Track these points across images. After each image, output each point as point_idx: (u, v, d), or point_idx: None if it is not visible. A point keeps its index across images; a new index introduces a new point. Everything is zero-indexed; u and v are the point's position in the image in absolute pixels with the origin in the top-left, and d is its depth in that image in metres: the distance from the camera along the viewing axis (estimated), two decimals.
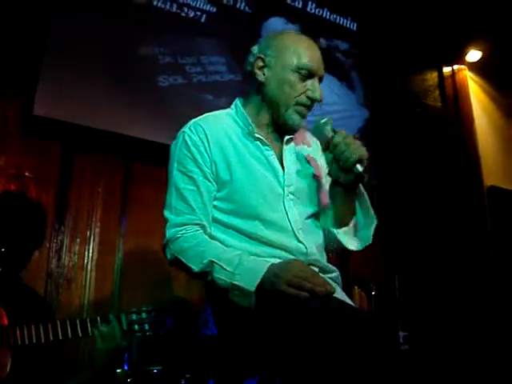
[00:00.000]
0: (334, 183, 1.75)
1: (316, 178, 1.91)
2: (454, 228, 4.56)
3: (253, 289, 1.52)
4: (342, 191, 1.75)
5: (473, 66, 5.37)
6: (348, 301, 1.73)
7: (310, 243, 1.76)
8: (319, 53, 1.84)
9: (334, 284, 1.76)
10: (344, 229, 1.81)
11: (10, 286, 2.10)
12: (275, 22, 4.12)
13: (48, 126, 3.12)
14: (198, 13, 3.76)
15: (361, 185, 1.76)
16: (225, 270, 1.58)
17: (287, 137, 1.88)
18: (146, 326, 2.04)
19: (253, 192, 1.73)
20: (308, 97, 1.78)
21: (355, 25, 4.60)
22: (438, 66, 5.29)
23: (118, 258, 3.19)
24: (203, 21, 3.77)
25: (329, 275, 1.79)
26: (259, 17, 4.05)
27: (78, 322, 1.98)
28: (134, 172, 3.37)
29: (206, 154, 1.75)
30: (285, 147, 1.87)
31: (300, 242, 1.73)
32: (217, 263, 1.59)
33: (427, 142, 4.77)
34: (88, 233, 3.16)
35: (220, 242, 1.71)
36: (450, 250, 4.44)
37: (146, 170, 3.39)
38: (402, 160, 4.51)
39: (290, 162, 1.86)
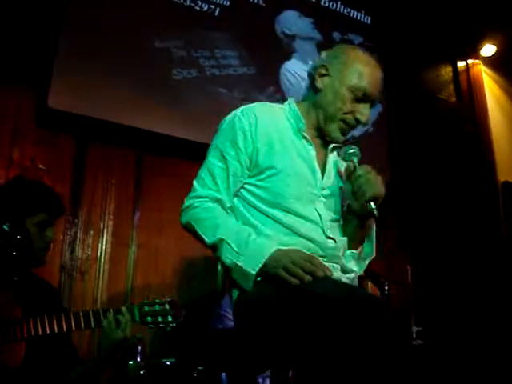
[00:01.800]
0: (348, 210, 1.81)
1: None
2: (467, 223, 4.54)
3: (253, 272, 1.57)
4: (354, 219, 1.81)
5: (487, 61, 5.32)
6: None
7: (338, 240, 1.79)
8: (380, 77, 1.86)
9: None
10: (352, 252, 1.85)
11: (21, 277, 2.10)
12: (289, 16, 4.11)
13: (62, 119, 3.14)
14: (212, 6, 3.75)
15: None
16: (233, 250, 1.62)
17: (332, 145, 1.90)
18: (159, 318, 2.03)
19: (291, 185, 1.75)
20: (356, 118, 1.82)
21: (369, 18, 4.57)
22: (453, 61, 5.26)
23: (131, 250, 3.20)
24: (217, 14, 3.77)
25: (347, 275, 1.80)
26: (273, 10, 4.04)
27: (90, 312, 1.99)
28: (147, 164, 3.38)
29: (249, 139, 1.77)
30: (329, 154, 1.90)
31: (329, 237, 1.76)
32: (226, 242, 1.63)
33: (441, 136, 4.75)
34: (101, 225, 3.17)
35: (252, 226, 1.72)
36: (464, 245, 4.42)
37: (159, 162, 3.39)
38: (415, 155, 4.49)
39: (330, 168, 1.89)
